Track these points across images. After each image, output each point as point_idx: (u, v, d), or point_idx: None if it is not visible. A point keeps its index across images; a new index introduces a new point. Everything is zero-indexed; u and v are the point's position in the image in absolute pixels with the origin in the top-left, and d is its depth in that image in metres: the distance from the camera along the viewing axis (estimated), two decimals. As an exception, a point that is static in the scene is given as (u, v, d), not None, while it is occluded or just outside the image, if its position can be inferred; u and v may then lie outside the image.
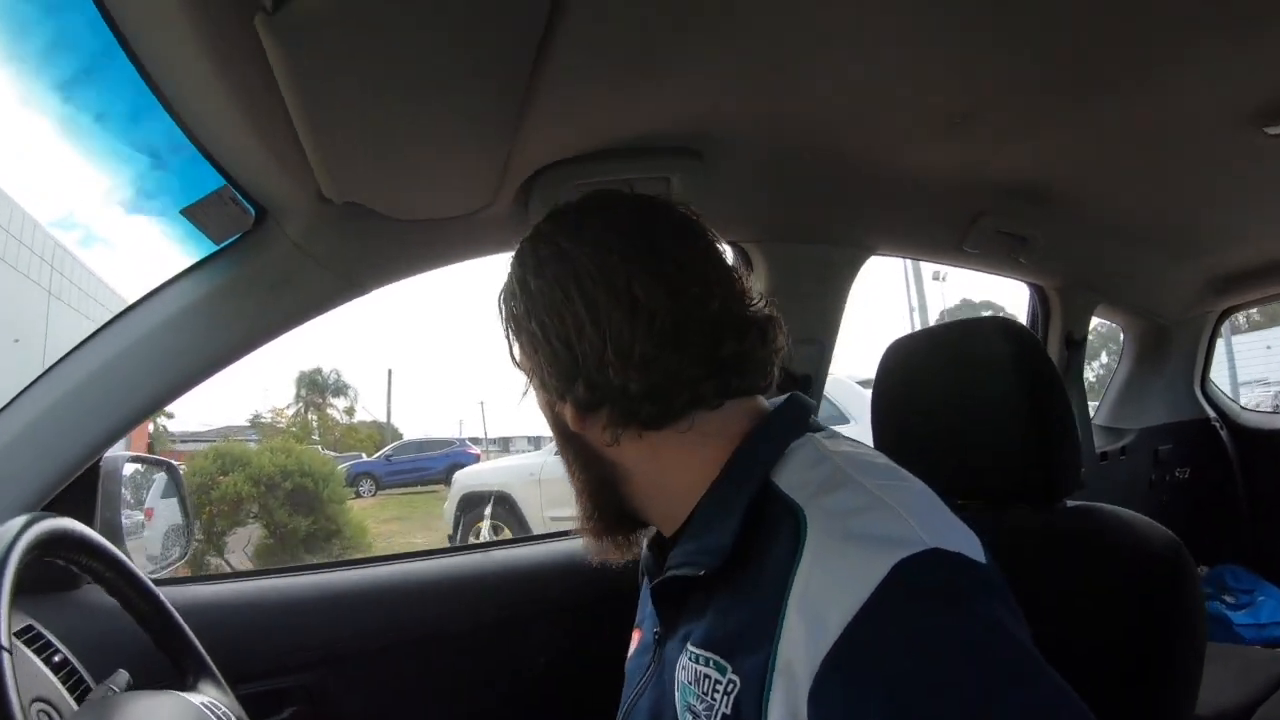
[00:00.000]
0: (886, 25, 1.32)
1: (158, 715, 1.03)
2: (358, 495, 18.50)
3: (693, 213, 1.08)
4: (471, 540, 10.14)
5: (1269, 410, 5.13)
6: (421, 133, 1.26)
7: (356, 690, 1.72)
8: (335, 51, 1.00)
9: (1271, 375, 19.89)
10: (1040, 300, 3.25)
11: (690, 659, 0.94)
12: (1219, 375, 4.46)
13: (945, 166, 1.98)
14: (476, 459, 20.86)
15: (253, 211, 1.49)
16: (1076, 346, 3.26)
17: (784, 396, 1.08)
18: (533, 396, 1.10)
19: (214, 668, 1.26)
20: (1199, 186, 2.45)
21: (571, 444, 1.09)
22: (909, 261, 15.24)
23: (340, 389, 30.32)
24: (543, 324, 1.01)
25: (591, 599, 1.78)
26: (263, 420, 26.18)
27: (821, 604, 0.79)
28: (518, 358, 1.09)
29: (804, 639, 0.79)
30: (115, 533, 1.60)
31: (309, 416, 29.32)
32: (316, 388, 29.74)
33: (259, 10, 0.90)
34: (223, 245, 1.52)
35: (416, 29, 0.98)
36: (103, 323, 1.51)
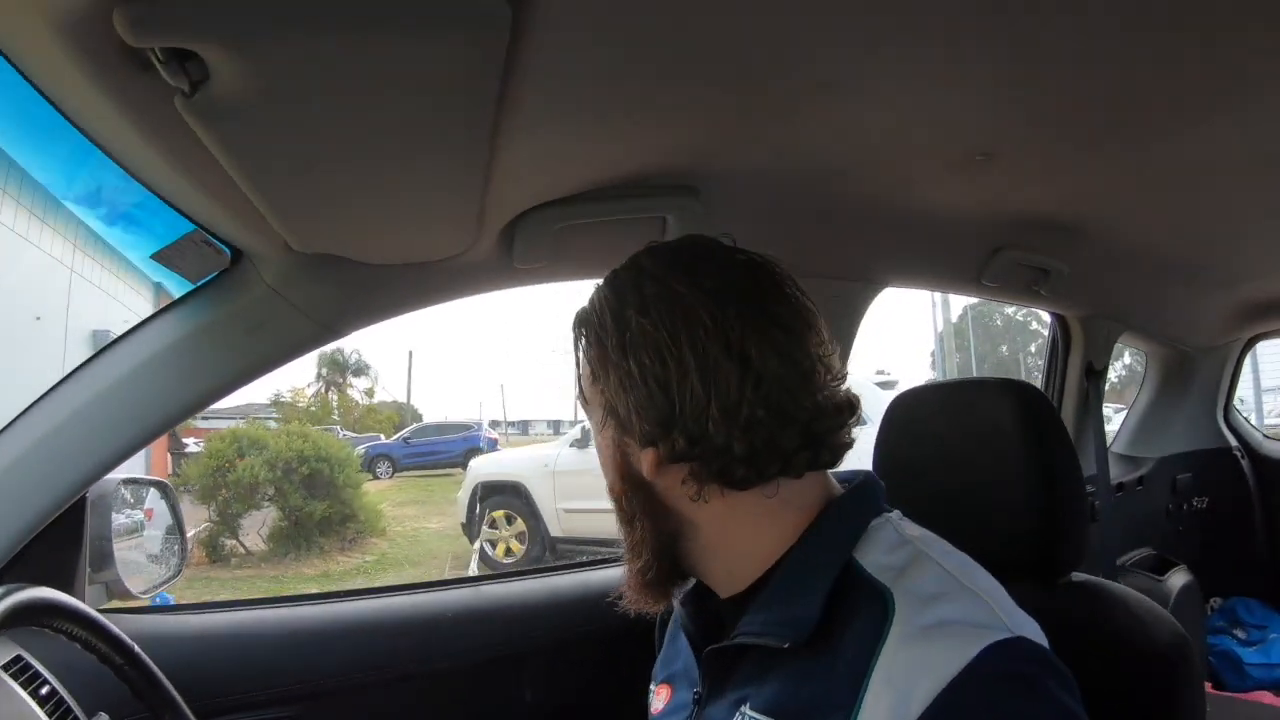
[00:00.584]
0: (898, 71, 1.26)
1: None
2: (375, 477, 18.65)
3: (793, 279, 1.05)
4: (485, 528, 10.28)
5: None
6: (381, 189, 1.21)
7: None
8: (267, 124, 0.95)
9: (1294, 380, 19.71)
10: (1061, 328, 3.20)
11: None
12: (1242, 382, 4.42)
13: (963, 203, 1.93)
14: (494, 443, 21.03)
15: (228, 252, 1.45)
16: (1097, 376, 3.21)
17: (861, 473, 1.09)
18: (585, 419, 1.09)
19: (190, 715, 1.24)
20: (1230, 221, 2.39)
21: (639, 492, 1.04)
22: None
23: (361, 369, 30.62)
24: (641, 365, 0.98)
25: (579, 637, 1.75)
26: (283, 399, 26.34)
27: (908, 680, 0.82)
28: (590, 389, 1.06)
29: (887, 712, 0.82)
30: (106, 558, 1.61)
31: (329, 396, 29.59)
32: (337, 367, 29.99)
33: (177, 93, 0.86)
34: (201, 283, 1.49)
35: (357, 94, 0.93)
36: (81, 361, 1.49)
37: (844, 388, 1.02)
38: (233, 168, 1.04)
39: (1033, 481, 1.26)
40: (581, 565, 2.26)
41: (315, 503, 11.32)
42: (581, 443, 10.11)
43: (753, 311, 0.97)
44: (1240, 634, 3.94)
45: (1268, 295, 3.50)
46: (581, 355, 1.07)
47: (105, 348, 1.49)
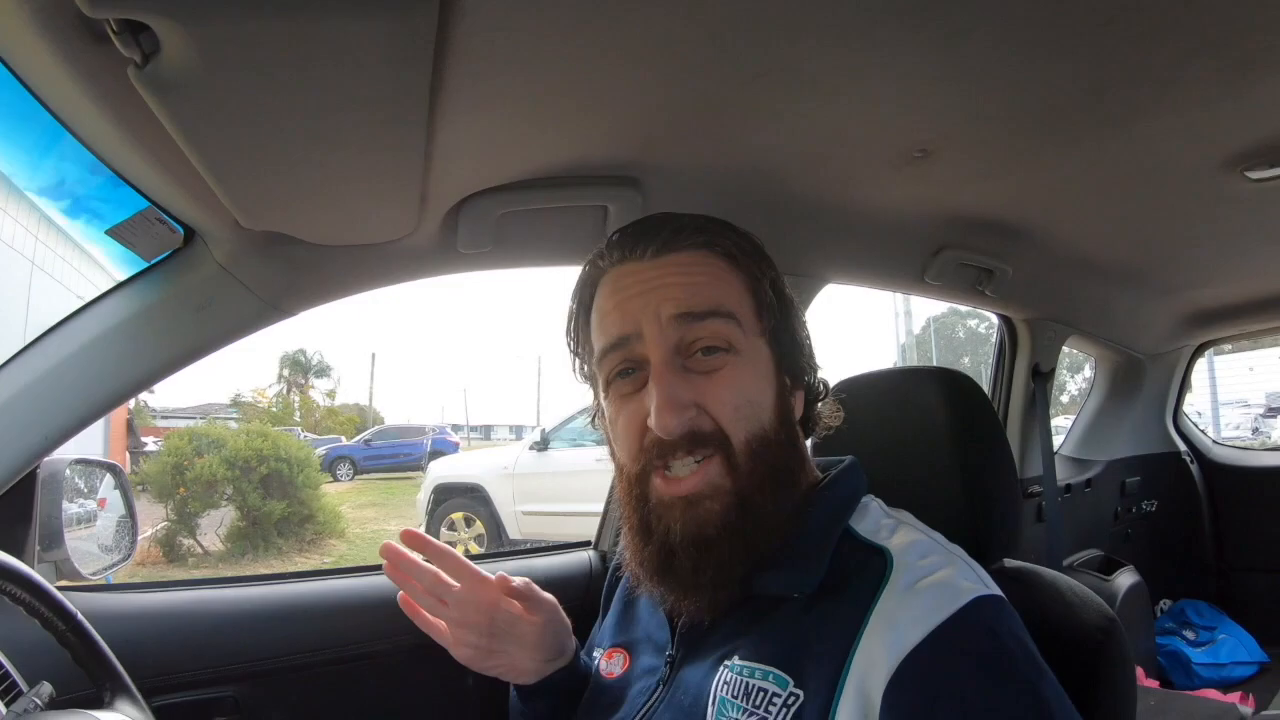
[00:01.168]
0: (834, 63, 1.28)
1: None
2: (335, 479, 18.49)
3: None
4: (444, 530, 10.24)
5: (1249, 432, 5.16)
6: (325, 167, 1.22)
7: (284, 705, 1.69)
8: (215, 99, 0.97)
9: (1252, 397, 20.01)
10: (1008, 330, 3.24)
11: (737, 672, 1.02)
12: (1200, 395, 4.50)
13: (903, 201, 1.96)
14: (456, 446, 20.93)
15: (181, 230, 1.46)
16: (1043, 378, 3.25)
17: (846, 462, 1.21)
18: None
19: (131, 686, 1.23)
20: (1177, 228, 2.44)
21: (788, 428, 1.15)
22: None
23: (323, 371, 30.45)
24: (799, 324, 1.21)
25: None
26: (244, 399, 26.12)
27: (907, 619, 0.92)
28: (756, 324, 1.14)
29: (886, 643, 0.91)
30: (56, 536, 1.60)
31: (290, 397, 29.31)
32: (300, 368, 29.77)
33: (130, 64, 0.88)
34: (154, 262, 1.50)
35: (297, 73, 0.94)
36: (31, 339, 1.49)
37: None
38: (183, 141, 1.05)
39: (963, 468, 1.29)
40: (523, 552, 2.28)
41: (274, 503, 11.20)
42: (540, 445, 10.10)
43: None
44: (1189, 635, 4.00)
45: (1213, 303, 3.57)
46: (769, 286, 1.16)
47: (56, 325, 1.50)
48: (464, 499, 10.42)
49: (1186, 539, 4.25)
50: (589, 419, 1.71)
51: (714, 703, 1.02)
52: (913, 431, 1.36)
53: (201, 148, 1.09)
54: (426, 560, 1.28)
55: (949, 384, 1.36)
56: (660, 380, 1.05)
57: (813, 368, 1.23)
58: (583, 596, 1.96)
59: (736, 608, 1.08)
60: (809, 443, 1.25)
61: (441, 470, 11.12)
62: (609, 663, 1.28)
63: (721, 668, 1.04)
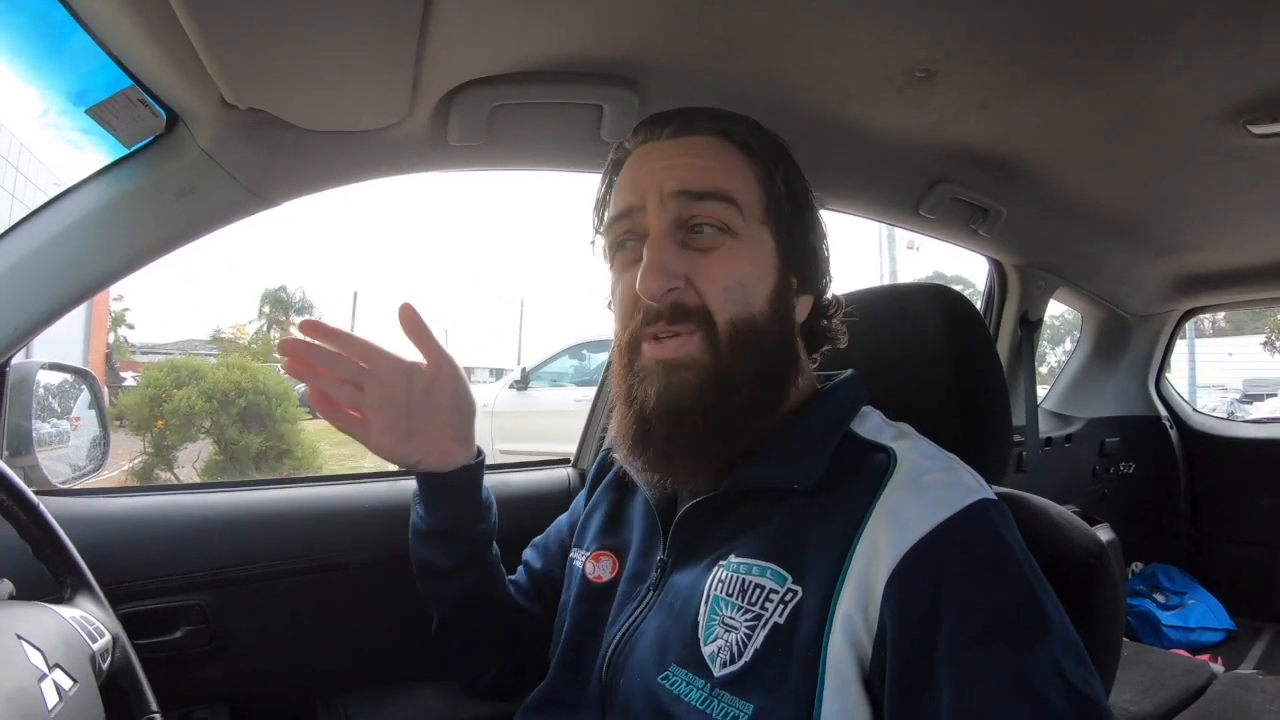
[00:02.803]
0: None
1: (18, 626, 0.97)
2: (313, 416, 18.38)
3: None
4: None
5: (1223, 416, 5.17)
6: (320, 41, 1.19)
7: (253, 613, 1.67)
8: None
9: (1230, 382, 20.26)
10: (999, 276, 3.23)
11: (733, 570, 1.02)
12: (1178, 376, 4.51)
13: (904, 125, 1.93)
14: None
15: (164, 115, 1.41)
16: (1031, 328, 3.25)
17: (848, 372, 1.23)
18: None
19: (93, 582, 1.20)
20: (1175, 182, 2.42)
21: (782, 326, 1.14)
22: (883, 229, 15.26)
23: (305, 308, 30.39)
24: (812, 227, 1.21)
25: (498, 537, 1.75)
26: (224, 335, 26.03)
27: (912, 512, 0.93)
28: (763, 214, 1.14)
29: (890, 534, 0.92)
30: (25, 441, 1.57)
31: (271, 334, 29.25)
32: (281, 305, 29.67)
33: None
34: (134, 149, 1.45)
35: None
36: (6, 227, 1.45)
37: None
38: (180, 4, 1.02)
39: (957, 387, 1.28)
40: (501, 467, 2.26)
41: (251, 436, 11.16)
42: (521, 384, 10.09)
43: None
44: (1159, 598, 4.03)
45: (1203, 267, 3.57)
46: (780, 181, 1.16)
47: (31, 213, 1.46)
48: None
49: (1161, 504, 4.27)
50: (571, 358, 1.70)
51: (707, 601, 1.02)
52: (908, 347, 1.34)
53: (198, 11, 1.06)
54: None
55: (946, 301, 1.34)
56: (652, 248, 1.08)
57: (825, 275, 1.23)
58: (527, 510, 1.92)
59: (732, 507, 1.09)
60: (814, 359, 1.26)
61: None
62: (596, 565, 1.28)
63: (717, 567, 1.04)
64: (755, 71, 1.60)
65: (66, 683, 0.96)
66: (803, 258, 1.18)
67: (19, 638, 0.94)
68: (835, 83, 1.69)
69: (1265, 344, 25.83)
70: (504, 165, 1.73)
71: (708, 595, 1.02)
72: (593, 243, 1.25)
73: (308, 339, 1.27)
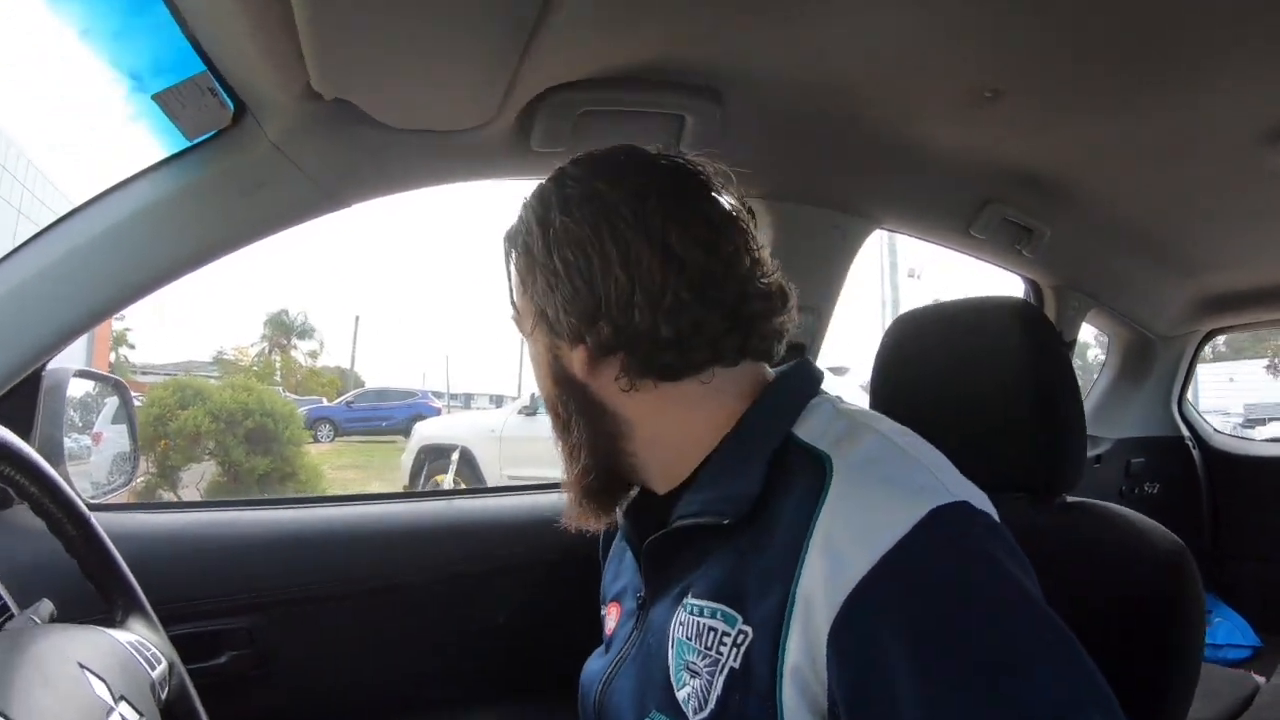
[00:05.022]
0: None
1: (78, 652, 0.88)
2: (315, 440, 18.40)
3: (725, 174, 1.08)
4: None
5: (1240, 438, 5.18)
6: (429, 33, 1.18)
7: (301, 639, 1.61)
8: None
9: (1231, 406, 20.38)
10: (1035, 297, 3.22)
11: (690, 612, 0.94)
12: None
13: (962, 144, 1.94)
14: (438, 412, 20.93)
15: (231, 106, 1.37)
16: (1066, 349, 3.22)
17: (794, 361, 1.09)
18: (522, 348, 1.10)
19: (146, 603, 1.12)
20: (1209, 202, 2.45)
21: (575, 394, 1.05)
22: (885, 258, 15.32)
23: (306, 331, 30.39)
24: (566, 261, 0.98)
25: (555, 559, 1.71)
26: (226, 357, 26.06)
27: (848, 543, 0.81)
28: (520, 300, 1.08)
29: (826, 575, 0.80)
30: (56, 450, 1.50)
31: (272, 357, 29.28)
32: (283, 328, 29.71)
33: None
34: (196, 142, 1.41)
35: None
36: (59, 216, 1.40)
37: (774, 276, 1.04)
38: None
39: (1035, 400, 1.26)
40: (532, 489, 2.17)
41: (257, 458, 11.10)
42: (530, 410, 10.12)
43: (674, 206, 0.99)
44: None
45: (1228, 287, 3.60)
46: (512, 268, 1.08)
47: (81, 205, 1.41)
48: (449, 460, 10.41)
49: (1185, 524, 4.25)
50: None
51: (673, 645, 0.97)
52: (979, 363, 1.32)
53: None
54: None
55: (1020, 314, 1.33)
56: None
57: (591, 307, 0.99)
58: (591, 535, 1.89)
59: (685, 539, 1.00)
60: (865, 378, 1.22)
61: (428, 430, 11.16)
62: (608, 619, 1.24)
63: (679, 609, 0.98)
64: (832, 89, 1.61)
65: (133, 716, 0.88)
66: (554, 311, 1.01)
67: (82, 667, 0.86)
68: (904, 100, 1.69)
69: (1269, 367, 25.94)
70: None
71: (673, 639, 0.97)
72: None
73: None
